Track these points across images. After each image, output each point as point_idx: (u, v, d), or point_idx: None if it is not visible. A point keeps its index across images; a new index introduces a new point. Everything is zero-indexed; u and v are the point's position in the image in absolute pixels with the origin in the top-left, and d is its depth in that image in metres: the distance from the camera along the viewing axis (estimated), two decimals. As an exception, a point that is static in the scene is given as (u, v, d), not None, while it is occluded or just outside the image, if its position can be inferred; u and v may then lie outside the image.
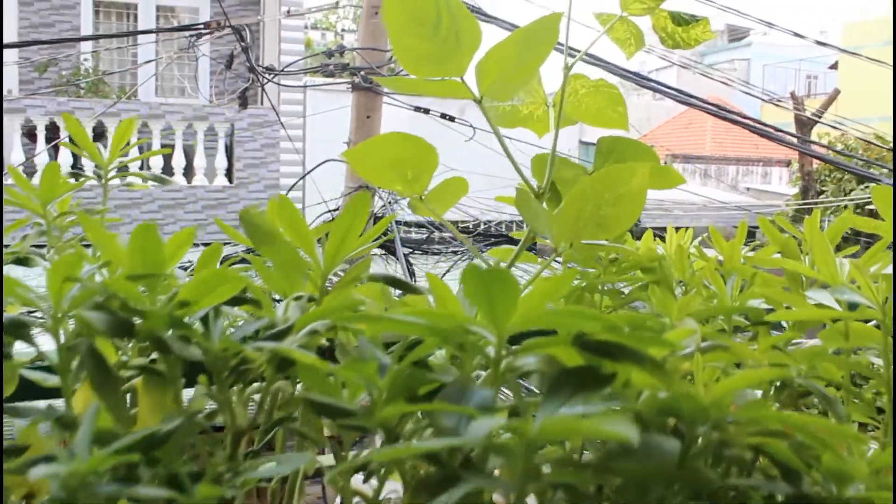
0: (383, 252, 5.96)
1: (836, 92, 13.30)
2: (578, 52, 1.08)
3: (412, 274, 6.28)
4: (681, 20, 1.09)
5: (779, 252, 1.03)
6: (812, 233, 1.01)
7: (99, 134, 9.69)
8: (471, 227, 8.36)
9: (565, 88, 1.04)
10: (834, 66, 28.61)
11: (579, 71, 1.08)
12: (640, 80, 8.62)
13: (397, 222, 6.08)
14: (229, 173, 9.83)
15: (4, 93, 10.04)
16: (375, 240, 0.84)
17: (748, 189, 17.53)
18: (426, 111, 6.23)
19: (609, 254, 1.14)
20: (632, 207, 0.86)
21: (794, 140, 12.08)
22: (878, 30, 28.44)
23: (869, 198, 10.99)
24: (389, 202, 5.65)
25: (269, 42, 10.93)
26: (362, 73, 5.68)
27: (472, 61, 0.99)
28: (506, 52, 0.97)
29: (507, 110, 1.20)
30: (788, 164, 16.76)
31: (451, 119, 6.26)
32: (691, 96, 6.78)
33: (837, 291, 0.68)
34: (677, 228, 1.36)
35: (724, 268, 1.14)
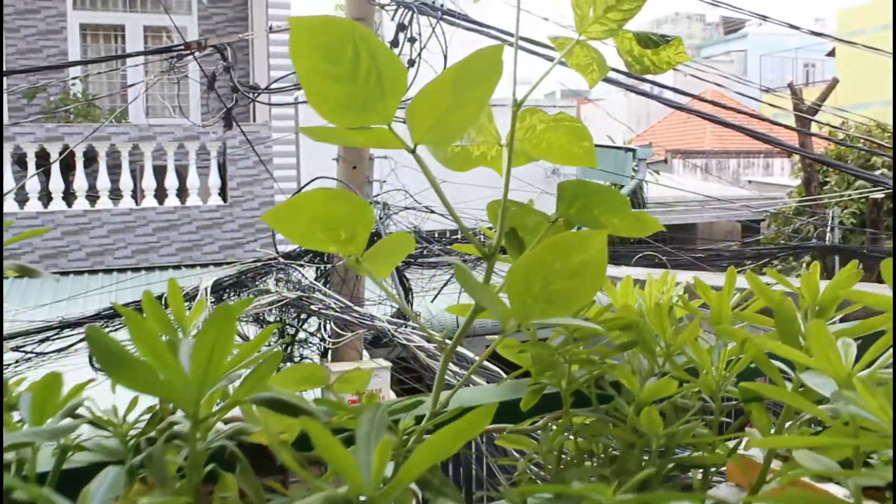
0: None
1: (835, 81, 13.13)
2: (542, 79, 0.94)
3: (408, 290, 6.14)
4: (648, 42, 0.94)
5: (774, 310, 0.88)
6: (809, 295, 0.86)
7: (90, 159, 9.57)
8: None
9: (515, 126, 0.89)
10: (831, 54, 28.45)
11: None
12: (630, 88, 8.47)
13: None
14: (223, 192, 9.70)
15: (-7, 121, 9.94)
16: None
17: (750, 182, 17.36)
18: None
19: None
20: (591, 279, 0.71)
21: (786, 143, 11.91)
22: (873, 14, 28.26)
23: (871, 189, 10.83)
24: (381, 218, 5.51)
25: (258, 58, 10.81)
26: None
27: (399, 105, 0.85)
28: (440, 93, 0.83)
29: (458, 152, 1.06)
30: (789, 155, 16.58)
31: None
32: (685, 93, 6.61)
33: (838, 400, 0.54)
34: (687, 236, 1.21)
35: (713, 324, 0.99)
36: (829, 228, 10.77)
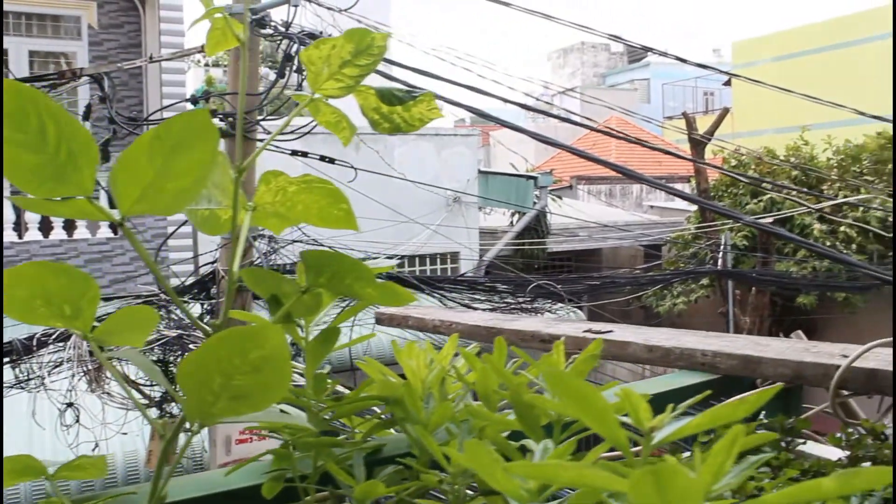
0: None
1: (725, 111, 13.62)
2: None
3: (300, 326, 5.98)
4: (393, 98, 0.89)
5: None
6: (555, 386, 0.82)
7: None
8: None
9: (238, 191, 0.83)
10: (728, 83, 29.51)
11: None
12: (538, 110, 8.59)
13: (275, 269, 5.80)
14: (113, 224, 9.36)
15: None
16: None
17: (652, 207, 17.78)
18: (304, 154, 5.99)
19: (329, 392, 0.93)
20: (274, 374, 0.64)
21: (713, 164, 12.24)
22: (767, 46, 29.53)
23: (763, 215, 11.22)
24: (266, 253, 5.37)
25: (152, 85, 10.55)
26: (230, 119, 5.42)
27: (94, 175, 0.77)
28: (138, 162, 0.76)
29: (207, 216, 0.99)
30: (689, 180, 17.07)
31: (331, 161, 6.02)
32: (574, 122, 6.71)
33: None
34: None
35: (480, 398, 0.94)
36: (720, 253, 11.09)
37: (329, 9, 6.39)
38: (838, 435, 1.62)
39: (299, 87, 5.67)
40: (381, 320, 2.41)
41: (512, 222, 12.09)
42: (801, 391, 1.69)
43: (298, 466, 0.88)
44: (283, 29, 5.82)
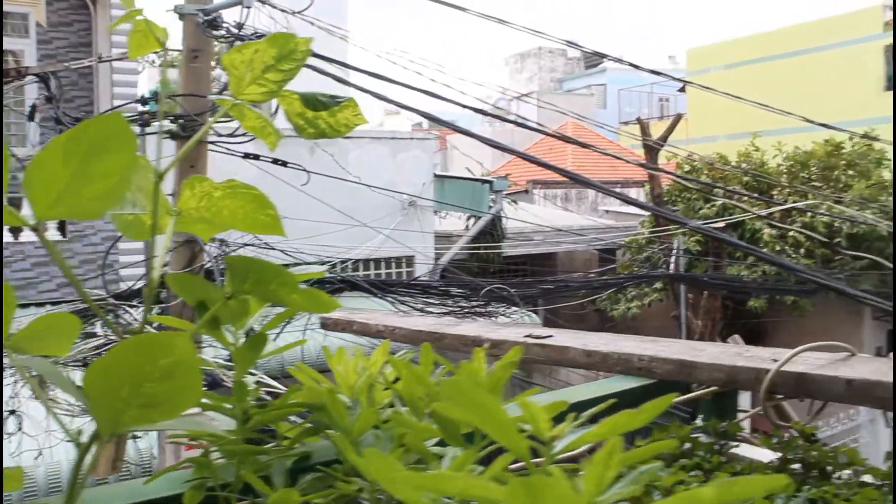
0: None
1: (678, 117, 13.79)
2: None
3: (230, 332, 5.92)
4: (318, 104, 0.88)
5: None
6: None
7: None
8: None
9: (158, 196, 0.82)
10: (683, 89, 29.93)
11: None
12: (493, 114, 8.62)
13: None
14: (61, 226, 9.19)
15: None
16: None
17: (607, 211, 17.96)
18: (256, 157, 5.93)
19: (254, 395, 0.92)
20: (185, 381, 0.64)
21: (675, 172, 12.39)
22: (720, 53, 30.06)
23: (714, 219, 11.39)
24: (217, 257, 5.31)
25: (102, 85, 10.38)
26: (181, 120, 5.35)
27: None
28: (51, 165, 0.75)
29: (131, 220, 0.97)
30: (643, 185, 17.27)
31: (284, 164, 5.97)
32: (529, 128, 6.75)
33: None
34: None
35: (407, 405, 0.94)
36: (672, 258, 11.24)
37: (283, 10, 6.35)
38: (773, 438, 1.65)
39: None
40: (326, 325, 2.40)
41: (467, 226, 12.11)
42: (737, 395, 1.71)
43: (222, 474, 0.87)
44: (235, 30, 5.77)
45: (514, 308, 7.66)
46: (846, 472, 1.42)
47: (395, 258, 10.85)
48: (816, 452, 1.42)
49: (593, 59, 39.19)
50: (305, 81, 1.10)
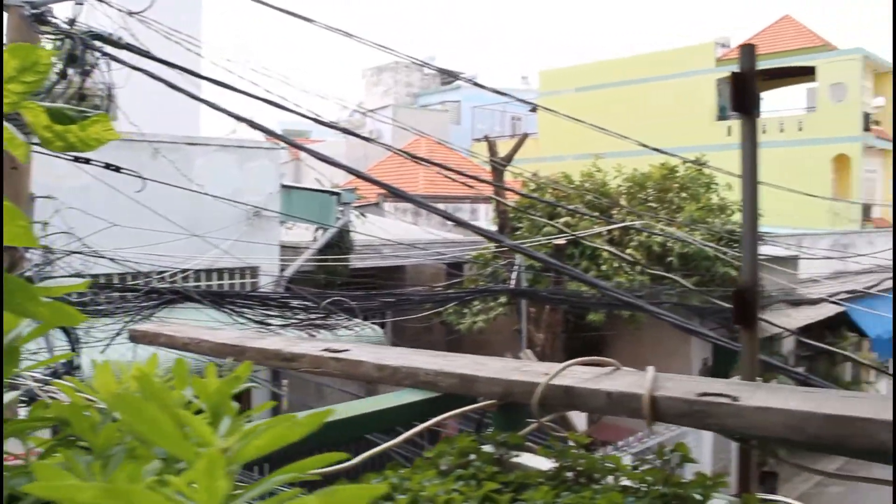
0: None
1: (524, 137, 14.27)
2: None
3: (75, 340, 5.67)
4: (64, 117, 0.89)
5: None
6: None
7: None
8: (134, 281, 7.77)
9: None
10: (534, 109, 30.90)
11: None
12: (347, 132, 8.62)
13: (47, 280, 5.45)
14: None
15: None
16: None
17: (456, 225, 18.27)
18: (87, 161, 5.68)
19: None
20: None
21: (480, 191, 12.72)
22: (571, 77, 31.31)
23: (557, 236, 11.82)
24: (40, 265, 5.05)
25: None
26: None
27: None
28: None
29: None
30: (490, 200, 17.70)
31: (117, 169, 5.75)
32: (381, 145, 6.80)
33: None
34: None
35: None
36: (514, 273, 11.58)
37: (119, 10, 6.12)
38: (550, 447, 1.75)
39: (81, 87, 5.39)
40: (135, 338, 2.34)
41: (315, 238, 12.04)
42: (524, 407, 1.81)
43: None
44: (66, 27, 5.52)
45: (356, 320, 7.68)
46: (610, 478, 1.52)
47: (239, 269, 10.64)
48: (584, 460, 1.52)
49: (449, 77, 39.87)
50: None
